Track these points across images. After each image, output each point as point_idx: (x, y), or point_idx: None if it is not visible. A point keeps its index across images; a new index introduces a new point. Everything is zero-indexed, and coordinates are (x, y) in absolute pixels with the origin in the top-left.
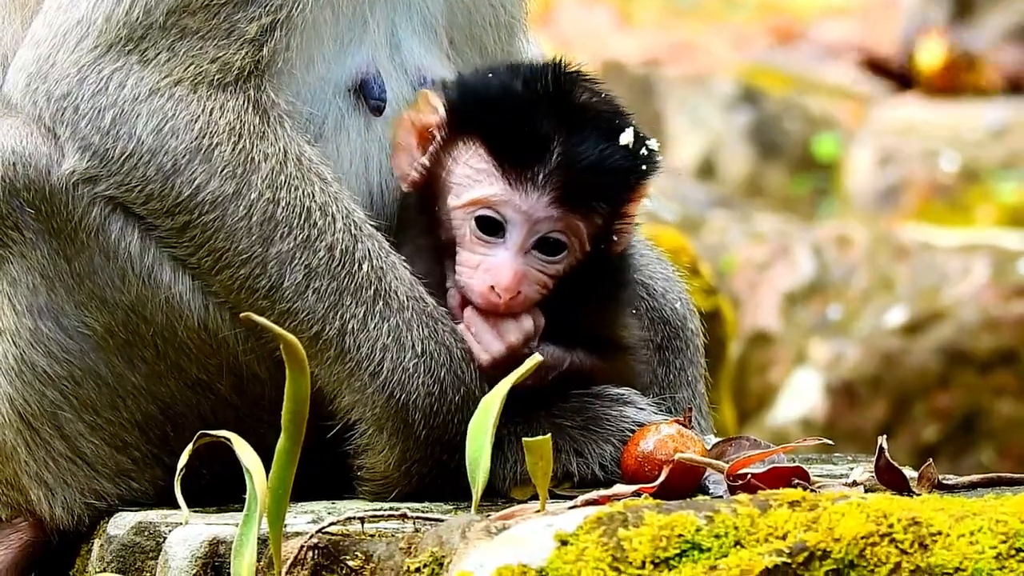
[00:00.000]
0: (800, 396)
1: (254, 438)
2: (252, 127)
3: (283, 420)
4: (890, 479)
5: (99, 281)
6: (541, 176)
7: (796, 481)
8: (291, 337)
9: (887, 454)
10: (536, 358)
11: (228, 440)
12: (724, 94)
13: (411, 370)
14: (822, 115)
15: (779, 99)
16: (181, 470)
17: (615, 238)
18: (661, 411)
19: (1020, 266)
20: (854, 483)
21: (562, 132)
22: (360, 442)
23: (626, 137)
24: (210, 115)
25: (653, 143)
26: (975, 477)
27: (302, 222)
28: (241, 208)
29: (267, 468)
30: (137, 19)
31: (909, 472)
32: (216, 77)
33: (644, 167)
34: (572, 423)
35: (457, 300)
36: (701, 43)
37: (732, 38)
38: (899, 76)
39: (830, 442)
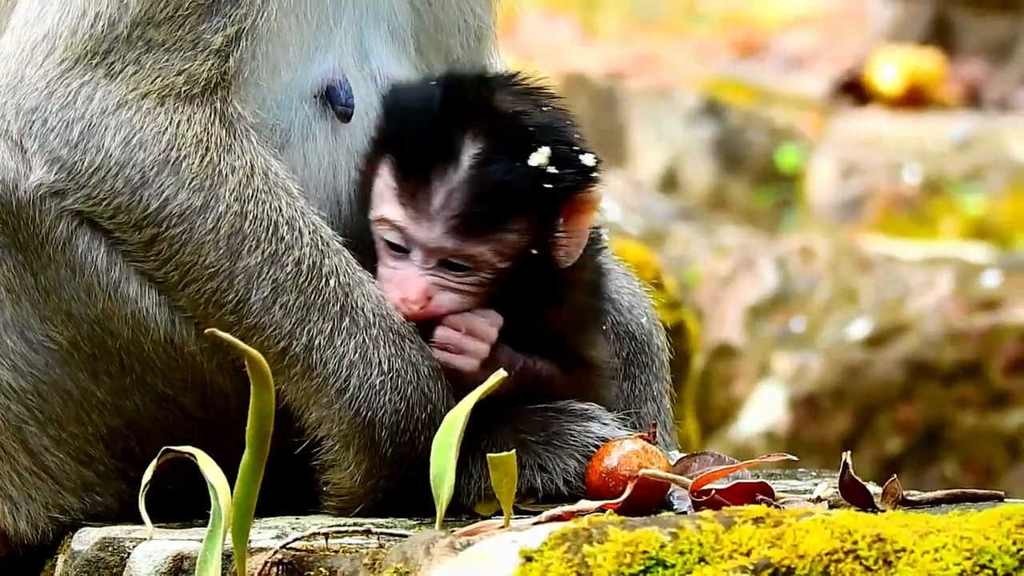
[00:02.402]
0: (764, 409)
1: (219, 452)
2: (219, 140)
3: (248, 435)
4: (854, 495)
5: (65, 295)
6: (437, 203)
7: (760, 497)
8: (255, 353)
9: (851, 470)
10: (500, 374)
11: (193, 456)
12: (687, 107)
13: (378, 387)
14: (785, 127)
15: (742, 111)
16: (145, 485)
17: (552, 252)
18: (626, 426)
19: (983, 279)
20: (818, 499)
21: (467, 149)
22: (326, 458)
23: (537, 158)
24: (177, 127)
25: (588, 159)
26: (939, 493)
27: (269, 236)
28: (209, 221)
29: (231, 482)
30: (102, 32)
31: (873, 488)
32: (183, 89)
33: (556, 187)
34: (536, 438)
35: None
36: (664, 55)
37: (695, 50)
38: (864, 92)
39: (794, 458)
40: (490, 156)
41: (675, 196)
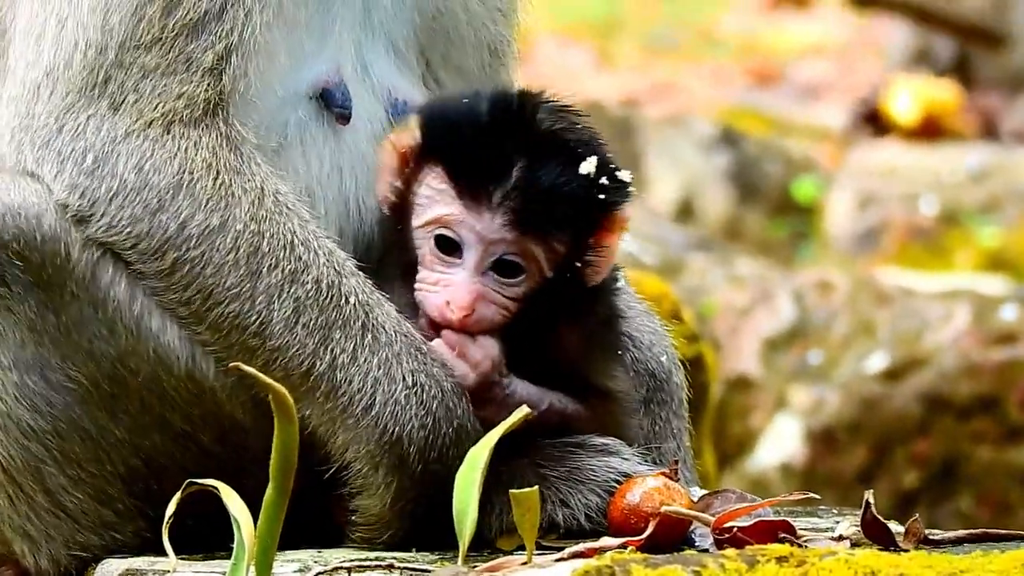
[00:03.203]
0: (780, 441)
1: (237, 489)
2: (228, 163)
3: (271, 469)
4: (876, 534)
5: (87, 332)
6: (496, 199)
7: (782, 535)
8: (279, 387)
9: (873, 509)
10: (524, 410)
11: (216, 489)
12: (703, 135)
13: (403, 402)
14: (801, 157)
15: (758, 141)
16: (169, 518)
17: (584, 269)
18: (646, 462)
19: (1001, 312)
20: (840, 537)
21: (521, 157)
22: (355, 483)
23: (587, 166)
24: (186, 152)
25: (625, 175)
26: (961, 532)
27: (287, 254)
28: (228, 240)
29: (253, 516)
30: (94, 60)
31: (895, 526)
32: (185, 114)
33: (605, 197)
34: (557, 473)
35: (427, 323)
36: (680, 84)
37: (711, 79)
38: (881, 123)
39: (816, 496)
40: (543, 163)
41: (690, 225)
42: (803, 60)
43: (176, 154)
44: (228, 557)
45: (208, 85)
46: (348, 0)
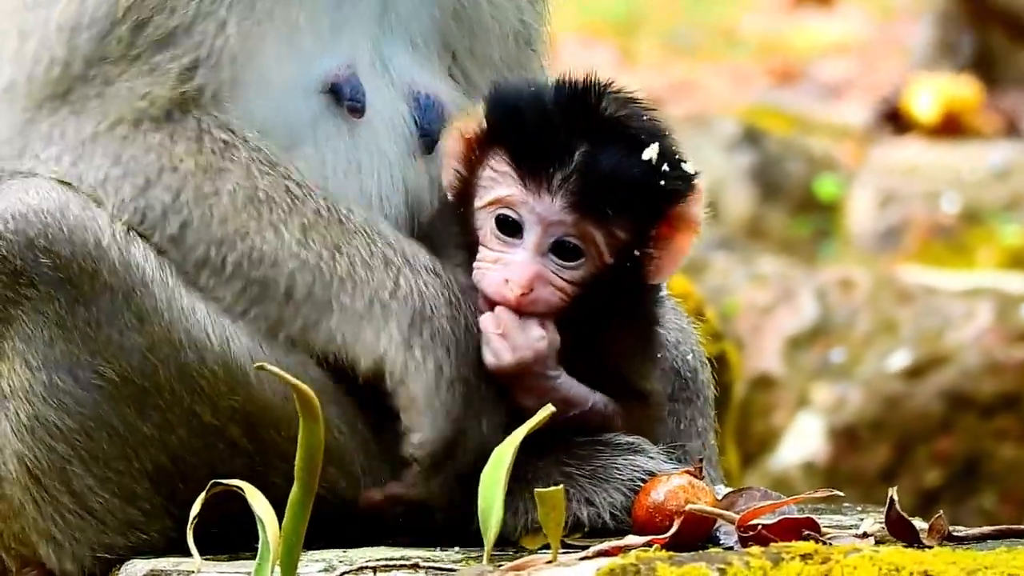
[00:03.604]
0: (803, 440)
1: (264, 486)
2: (212, 147)
3: (296, 468)
4: (900, 531)
5: (117, 324)
6: (557, 181)
7: (807, 532)
8: (304, 387)
9: (898, 506)
10: (549, 408)
11: (240, 489)
12: (725, 134)
13: (426, 282)
14: (823, 156)
15: (781, 140)
16: (194, 518)
17: (646, 262)
18: (671, 461)
19: (1023, 310)
20: (864, 534)
21: (584, 142)
22: (392, 380)
23: (649, 152)
24: (161, 145)
25: (690, 166)
26: (986, 529)
27: (283, 194)
28: (224, 198)
29: (278, 515)
30: (58, 76)
31: (919, 523)
32: (152, 112)
33: (666, 185)
34: (582, 472)
35: (484, 301)
36: (701, 83)
37: (733, 77)
38: (902, 121)
39: (840, 493)
40: (605, 147)
41: (713, 224)
42: (825, 58)
43: (152, 147)
44: (253, 557)
45: (175, 87)
46: (359, 3)
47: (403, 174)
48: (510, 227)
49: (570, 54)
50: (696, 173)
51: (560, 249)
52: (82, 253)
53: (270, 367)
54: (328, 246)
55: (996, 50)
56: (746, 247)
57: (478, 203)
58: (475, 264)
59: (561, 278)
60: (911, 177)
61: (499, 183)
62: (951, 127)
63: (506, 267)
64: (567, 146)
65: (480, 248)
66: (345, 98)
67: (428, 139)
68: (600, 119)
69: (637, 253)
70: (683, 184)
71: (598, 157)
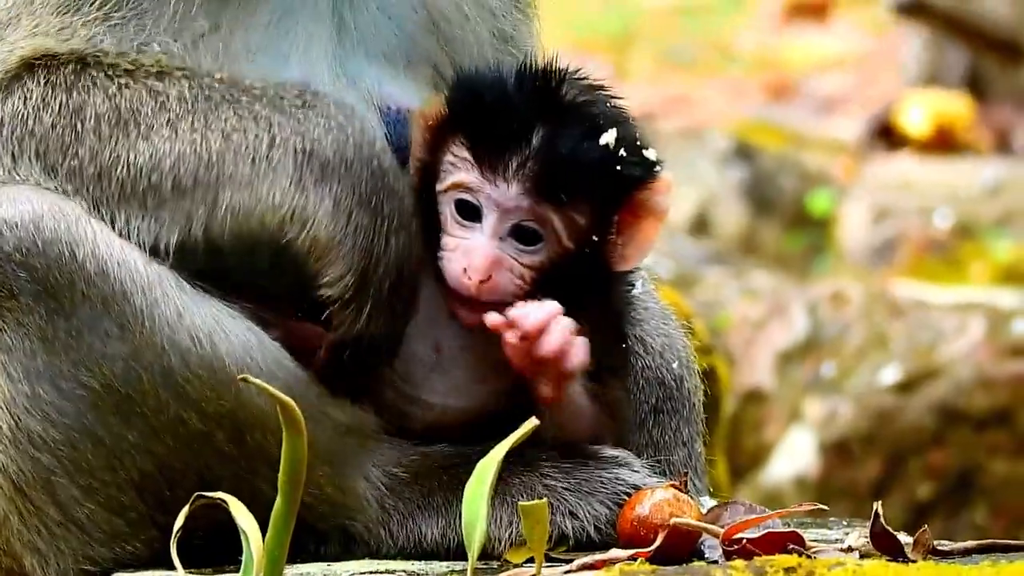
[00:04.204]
0: (794, 454)
1: (251, 494)
2: (64, 82)
3: (280, 482)
4: (885, 545)
5: (98, 333)
6: (513, 166)
7: (791, 546)
8: (287, 399)
9: (882, 519)
10: (533, 422)
11: (224, 502)
12: (719, 149)
13: (302, 119)
14: (817, 171)
15: (774, 155)
16: (177, 531)
17: (607, 248)
18: (656, 474)
19: (1015, 325)
20: (849, 548)
21: (541, 126)
22: (295, 227)
23: (607, 137)
24: (27, 95)
25: (651, 152)
26: (970, 543)
27: (147, 98)
28: (89, 132)
29: (263, 526)
30: None
31: (904, 537)
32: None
33: (623, 170)
34: (566, 484)
35: (451, 296)
36: (695, 97)
37: (727, 92)
38: (895, 136)
39: (825, 508)
40: (562, 133)
41: (706, 239)
42: (819, 74)
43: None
44: (237, 570)
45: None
46: (313, 22)
47: None
48: (469, 211)
49: None
50: (658, 161)
51: (519, 233)
52: (58, 265)
53: (254, 380)
54: (198, 128)
55: (987, 66)
56: (739, 261)
57: (439, 187)
58: (440, 252)
59: (520, 263)
60: (904, 192)
61: (458, 168)
62: (943, 143)
63: (465, 254)
64: (524, 130)
65: (442, 235)
66: None
67: (401, 153)
68: (559, 103)
69: (596, 239)
70: (642, 170)
71: (555, 141)
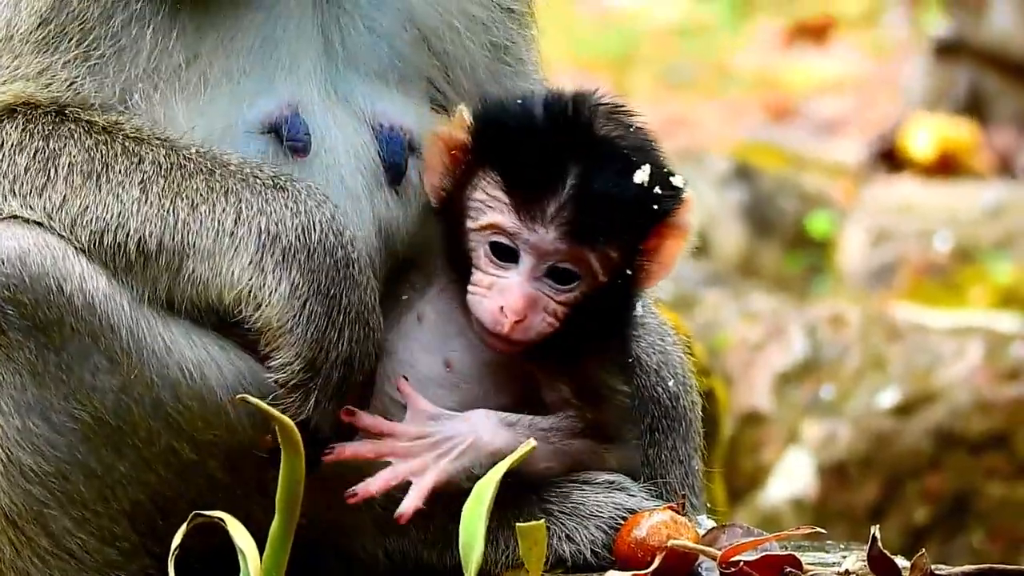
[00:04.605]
0: (792, 476)
1: (245, 519)
2: (41, 130)
3: (277, 502)
4: (883, 568)
5: (88, 367)
6: (551, 210)
7: (788, 569)
8: (285, 419)
9: (880, 543)
10: (531, 443)
11: (222, 520)
12: (718, 171)
13: (270, 201)
14: (816, 193)
15: (774, 176)
16: (174, 550)
17: (638, 274)
18: (653, 496)
19: (1013, 349)
20: (847, 572)
21: (575, 167)
22: (249, 306)
23: (641, 175)
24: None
25: (679, 180)
26: (968, 568)
27: (121, 156)
28: (60, 179)
29: (259, 547)
30: None
31: (902, 561)
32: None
33: (657, 205)
34: (562, 508)
35: (479, 329)
36: (695, 119)
37: (727, 113)
38: (897, 159)
39: (822, 531)
40: (597, 172)
41: (705, 260)
42: (819, 96)
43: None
44: None
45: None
46: (298, 43)
47: (372, 206)
48: (504, 252)
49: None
50: (685, 184)
51: (555, 273)
52: (46, 300)
53: (251, 399)
54: (168, 194)
55: (989, 90)
56: (738, 283)
57: (471, 224)
58: (470, 288)
59: (556, 301)
60: (904, 215)
61: (492, 209)
62: (946, 166)
63: (501, 293)
64: (560, 173)
65: (474, 270)
66: (285, 138)
67: (394, 170)
68: (591, 139)
69: (630, 271)
70: (674, 201)
71: (591, 183)
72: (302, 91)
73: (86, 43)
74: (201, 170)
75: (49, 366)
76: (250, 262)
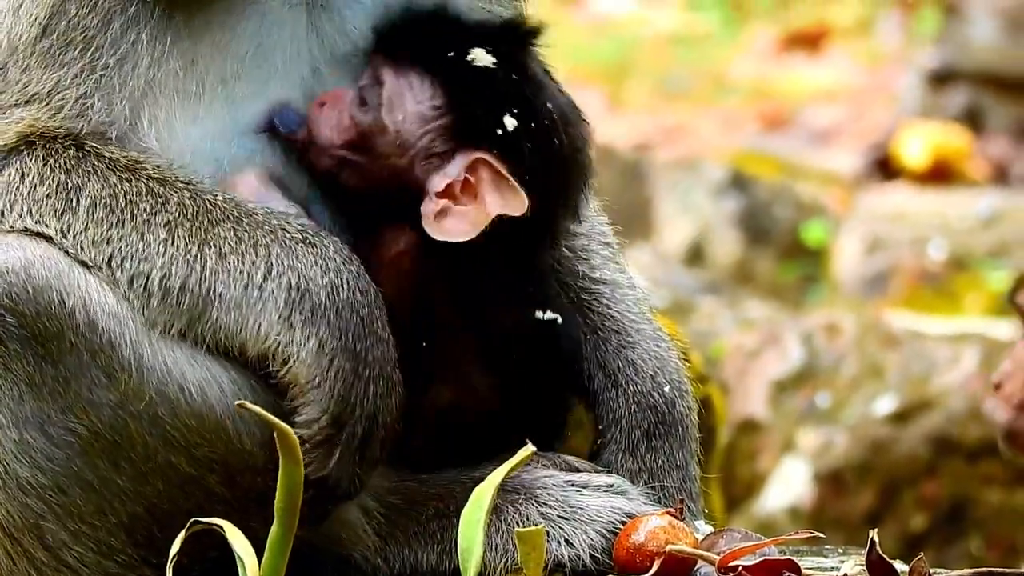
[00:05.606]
0: (788, 484)
1: (243, 531)
2: (65, 164)
3: (276, 509)
4: (881, 573)
5: (86, 381)
6: None
7: (787, 574)
8: (284, 426)
9: (878, 548)
10: (530, 449)
11: (221, 528)
12: (714, 179)
13: (300, 256)
14: (811, 201)
15: (769, 185)
16: (173, 558)
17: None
18: (651, 501)
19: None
20: None
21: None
22: (278, 362)
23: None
24: (19, 172)
25: (509, 120)
26: (965, 572)
27: (145, 196)
28: (82, 211)
29: (257, 556)
30: None
31: (900, 566)
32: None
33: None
34: (561, 512)
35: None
36: (691, 128)
37: (722, 122)
38: (891, 167)
39: (821, 535)
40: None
41: (701, 269)
42: (814, 105)
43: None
44: None
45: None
46: (292, 45)
47: None
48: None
49: None
50: (513, 129)
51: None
52: (47, 313)
53: (250, 406)
54: (195, 240)
55: (983, 103)
56: (733, 291)
57: None
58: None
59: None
60: (899, 223)
61: None
62: (941, 175)
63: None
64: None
65: None
66: (279, 127)
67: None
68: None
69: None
70: (489, 119)
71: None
72: (294, 95)
73: (90, 51)
74: (228, 218)
75: (47, 378)
76: (279, 317)
